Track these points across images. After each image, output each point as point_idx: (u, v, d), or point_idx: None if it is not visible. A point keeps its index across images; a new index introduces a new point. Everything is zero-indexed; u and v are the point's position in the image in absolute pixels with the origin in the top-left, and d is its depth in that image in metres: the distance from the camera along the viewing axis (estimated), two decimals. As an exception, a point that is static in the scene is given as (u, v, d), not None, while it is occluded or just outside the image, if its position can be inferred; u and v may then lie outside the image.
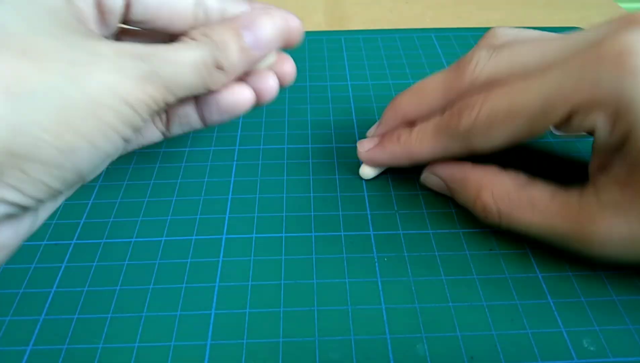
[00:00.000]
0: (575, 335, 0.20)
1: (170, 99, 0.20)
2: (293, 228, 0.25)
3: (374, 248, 0.24)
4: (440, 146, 0.24)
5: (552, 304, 0.21)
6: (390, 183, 0.27)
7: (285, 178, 0.28)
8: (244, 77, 0.23)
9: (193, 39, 0.20)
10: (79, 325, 0.21)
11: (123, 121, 0.18)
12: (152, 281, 0.23)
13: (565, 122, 0.20)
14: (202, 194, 0.27)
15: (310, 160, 0.29)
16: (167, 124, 0.24)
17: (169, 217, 0.25)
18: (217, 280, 0.23)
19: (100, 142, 0.18)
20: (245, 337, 0.21)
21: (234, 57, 0.21)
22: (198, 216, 0.26)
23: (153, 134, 0.24)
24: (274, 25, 0.22)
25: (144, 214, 0.26)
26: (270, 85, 0.24)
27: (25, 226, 0.19)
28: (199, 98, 0.23)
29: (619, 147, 0.20)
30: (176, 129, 0.24)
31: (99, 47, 0.18)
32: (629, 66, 0.18)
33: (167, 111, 0.23)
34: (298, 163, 0.29)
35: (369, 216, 0.25)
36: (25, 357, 0.20)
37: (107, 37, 0.22)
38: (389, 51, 0.38)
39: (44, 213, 0.20)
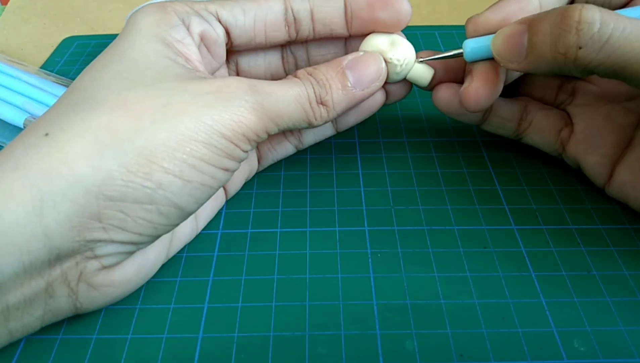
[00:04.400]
0: (566, 335, 0.20)
1: (273, 129, 0.21)
2: (288, 223, 0.25)
3: (368, 243, 0.24)
4: None
5: (544, 303, 0.21)
6: (388, 178, 0.27)
7: (282, 173, 0.28)
8: None
9: (297, 77, 0.22)
10: (74, 316, 0.21)
11: (220, 154, 0.19)
12: (147, 273, 0.23)
13: None
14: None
15: (308, 156, 0.29)
16: (300, 136, 0.26)
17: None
18: (211, 274, 0.23)
19: (192, 176, 0.19)
20: (236, 331, 0.21)
21: (337, 94, 0.22)
22: (195, 210, 0.26)
23: (286, 148, 0.27)
24: (377, 67, 0.23)
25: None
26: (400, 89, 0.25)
27: (147, 264, 0.21)
28: None
29: None
30: (309, 140, 0.27)
31: (199, 86, 0.19)
32: None
33: None
34: (295, 158, 0.29)
35: (365, 212, 0.26)
36: (21, 346, 0.20)
37: (218, 68, 0.24)
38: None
39: (175, 245, 0.23)
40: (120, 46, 0.20)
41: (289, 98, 0.20)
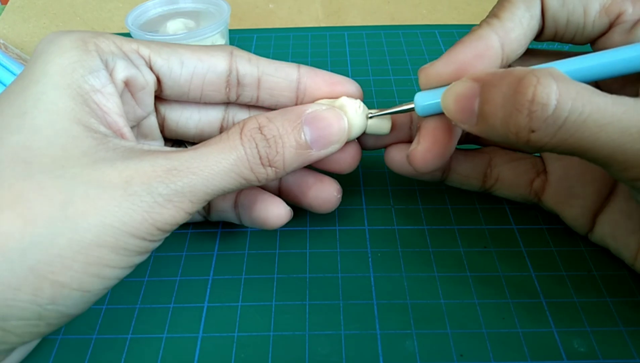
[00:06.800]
0: (566, 336, 0.20)
1: (197, 209, 0.18)
2: (288, 222, 0.25)
3: (368, 243, 0.24)
4: None
5: (544, 304, 0.21)
6: (388, 178, 0.27)
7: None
8: (305, 188, 0.23)
9: (243, 134, 0.19)
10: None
11: (129, 254, 0.17)
12: (147, 273, 0.23)
13: None
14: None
15: (308, 155, 0.29)
16: (208, 212, 0.24)
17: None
18: (211, 273, 0.23)
19: (92, 285, 0.16)
20: (236, 330, 0.21)
21: (289, 154, 0.19)
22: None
23: (194, 217, 0.24)
24: (339, 126, 0.20)
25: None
26: (329, 198, 0.22)
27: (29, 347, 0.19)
28: (237, 200, 0.23)
29: None
30: (216, 218, 0.24)
31: (106, 175, 0.16)
32: None
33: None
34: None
35: (365, 211, 0.26)
36: (21, 345, 0.20)
37: (144, 117, 0.21)
38: (391, 47, 0.38)
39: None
40: (25, 95, 0.17)
41: (223, 170, 0.18)
